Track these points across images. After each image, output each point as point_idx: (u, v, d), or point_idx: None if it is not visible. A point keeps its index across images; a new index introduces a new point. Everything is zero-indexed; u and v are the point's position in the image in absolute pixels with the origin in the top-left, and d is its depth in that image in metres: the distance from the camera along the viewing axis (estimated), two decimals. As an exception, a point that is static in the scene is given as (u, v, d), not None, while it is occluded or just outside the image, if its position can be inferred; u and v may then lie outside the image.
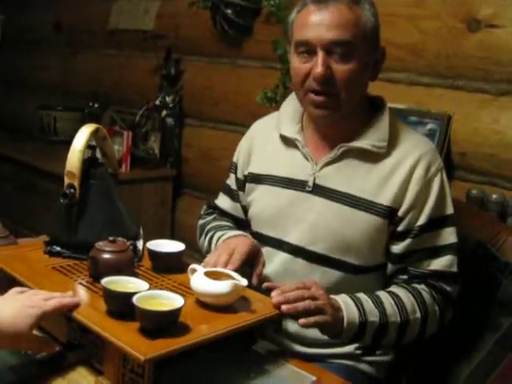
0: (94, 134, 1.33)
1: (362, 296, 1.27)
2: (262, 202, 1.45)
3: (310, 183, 1.37)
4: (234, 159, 1.57)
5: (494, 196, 1.79)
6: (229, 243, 1.33)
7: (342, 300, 1.23)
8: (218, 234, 1.47)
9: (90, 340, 1.02)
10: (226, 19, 2.49)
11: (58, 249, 1.28)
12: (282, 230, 1.40)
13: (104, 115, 3.15)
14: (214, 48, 2.73)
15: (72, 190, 1.26)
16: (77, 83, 3.56)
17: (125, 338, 0.96)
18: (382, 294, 1.30)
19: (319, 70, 1.25)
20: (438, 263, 1.33)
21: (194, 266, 1.16)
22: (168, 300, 1.03)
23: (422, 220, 1.31)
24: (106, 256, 1.15)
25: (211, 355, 1.04)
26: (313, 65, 1.27)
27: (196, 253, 2.42)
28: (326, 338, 1.25)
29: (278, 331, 1.17)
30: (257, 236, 1.45)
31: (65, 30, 3.64)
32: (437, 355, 1.49)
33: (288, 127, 1.43)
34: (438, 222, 1.33)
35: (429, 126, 1.91)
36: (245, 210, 1.54)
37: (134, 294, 1.01)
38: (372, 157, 1.33)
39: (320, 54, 1.26)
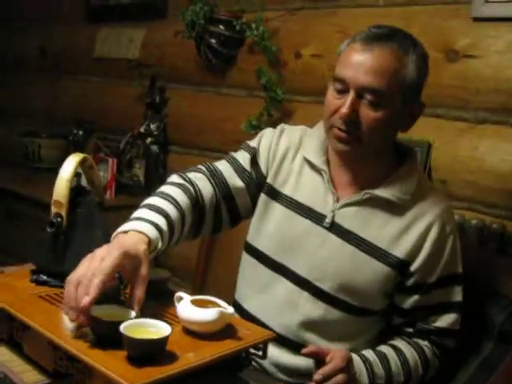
0: (82, 163, 1.35)
1: (371, 357, 1.31)
2: (275, 223, 1.40)
3: (329, 219, 1.35)
4: (254, 144, 1.47)
5: (474, 221, 1.82)
6: (93, 256, 1.08)
7: (357, 367, 1.27)
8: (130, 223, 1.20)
9: (78, 369, 1.02)
10: (211, 48, 2.54)
11: (45, 277, 1.28)
12: (290, 257, 1.38)
13: (88, 142, 3.17)
14: (198, 76, 2.77)
15: (59, 219, 1.26)
16: (61, 110, 3.58)
17: (112, 366, 0.96)
18: (389, 353, 1.34)
19: (345, 110, 1.25)
20: (444, 321, 1.36)
21: (180, 293, 1.17)
22: (155, 328, 1.04)
23: (433, 278, 1.34)
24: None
25: (198, 382, 1.05)
26: (343, 103, 1.27)
27: (182, 280, 2.44)
28: (309, 368, 1.27)
29: (263, 358, 1.18)
30: (260, 255, 1.42)
31: (50, 57, 3.67)
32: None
33: (314, 155, 1.40)
34: (447, 279, 1.35)
35: (410, 154, 1.94)
36: (250, 194, 1.44)
37: (120, 322, 1.01)
38: (393, 207, 1.33)
39: (350, 96, 1.25)
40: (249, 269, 1.48)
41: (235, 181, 1.42)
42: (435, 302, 1.36)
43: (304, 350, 1.25)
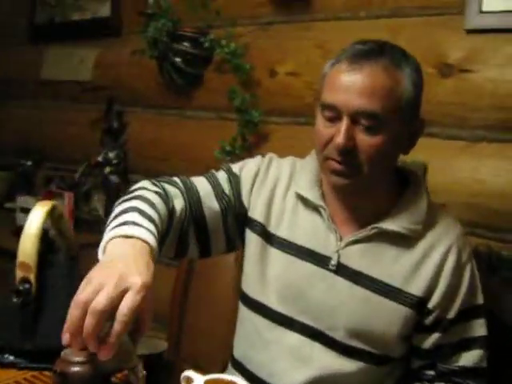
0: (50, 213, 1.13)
1: None
2: (275, 270, 1.26)
3: (334, 261, 1.21)
4: (236, 171, 1.32)
5: (481, 248, 1.69)
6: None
7: None
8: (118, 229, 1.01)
9: None
10: (175, 68, 2.35)
11: (12, 358, 1.06)
12: (296, 307, 1.23)
13: (38, 174, 2.93)
14: (160, 99, 2.59)
15: (27, 286, 1.05)
16: (6, 138, 3.31)
17: None
18: None
19: (341, 140, 1.11)
20: (468, 359, 1.22)
21: (188, 373, 0.96)
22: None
23: (452, 313, 1.20)
24: (76, 369, 0.93)
25: None
26: (336, 131, 1.13)
27: (155, 322, 2.21)
28: None
29: None
30: (261, 308, 1.27)
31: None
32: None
33: (308, 191, 1.26)
34: (468, 313, 1.22)
35: (406, 178, 1.81)
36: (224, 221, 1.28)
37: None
38: (403, 239, 1.20)
39: (344, 123, 1.12)
40: (249, 323, 1.32)
41: (212, 202, 1.27)
42: (457, 339, 1.22)
43: None
